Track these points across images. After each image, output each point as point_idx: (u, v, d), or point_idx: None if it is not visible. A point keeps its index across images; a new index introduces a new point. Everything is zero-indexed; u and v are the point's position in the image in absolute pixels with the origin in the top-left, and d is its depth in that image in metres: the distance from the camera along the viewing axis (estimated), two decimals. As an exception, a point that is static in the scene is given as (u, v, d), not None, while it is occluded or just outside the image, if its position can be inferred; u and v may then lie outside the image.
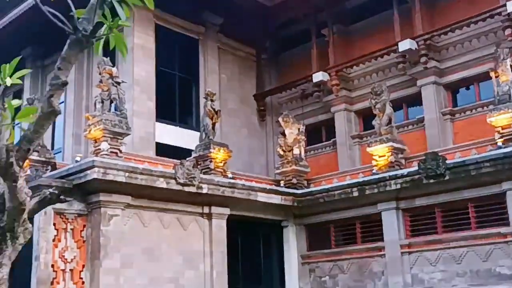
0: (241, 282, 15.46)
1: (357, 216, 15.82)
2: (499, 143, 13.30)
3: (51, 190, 3.89)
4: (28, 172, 14.17)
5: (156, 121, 17.84)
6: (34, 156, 14.72)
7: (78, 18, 3.50)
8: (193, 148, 15.79)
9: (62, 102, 19.93)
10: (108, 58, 14.04)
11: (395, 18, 17.85)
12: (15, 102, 4.17)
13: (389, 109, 15.71)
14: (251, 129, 20.81)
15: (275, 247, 16.79)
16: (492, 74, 14.17)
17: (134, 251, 13.17)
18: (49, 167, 14.85)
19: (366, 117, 19.26)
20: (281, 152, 17.35)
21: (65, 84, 3.53)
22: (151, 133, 17.58)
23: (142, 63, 17.78)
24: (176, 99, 19.20)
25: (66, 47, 3.53)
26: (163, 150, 17.01)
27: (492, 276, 13.17)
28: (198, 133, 15.91)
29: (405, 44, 17.11)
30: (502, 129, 13.42)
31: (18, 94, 22.36)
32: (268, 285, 16.43)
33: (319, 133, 20.30)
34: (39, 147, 14.96)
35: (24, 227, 3.66)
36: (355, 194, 15.40)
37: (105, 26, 3.47)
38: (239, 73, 20.79)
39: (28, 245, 12.19)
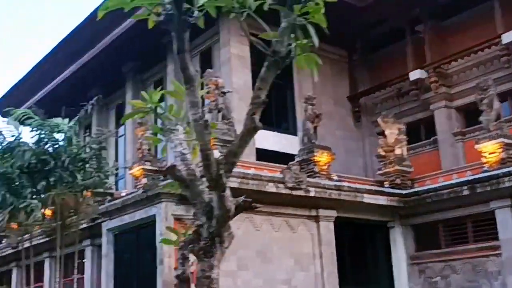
0: (350, 283, 15.47)
1: (467, 215, 15.42)
2: None
3: (243, 198, 4.17)
4: (145, 181, 14.95)
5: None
6: (147, 165, 15.49)
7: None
8: (291, 152, 16.04)
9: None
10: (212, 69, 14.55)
11: (496, 9, 17.32)
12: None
13: (497, 104, 15.24)
14: (347, 131, 20.80)
15: (381, 248, 16.67)
16: None
17: (248, 254, 13.53)
18: (161, 176, 15.55)
19: (469, 113, 18.79)
20: (382, 153, 17.23)
21: (265, 102, 3.80)
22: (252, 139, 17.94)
23: (239, 72, 18.25)
24: (272, 105, 19.51)
25: (264, 68, 3.79)
26: (263, 155, 17.35)
27: None
28: (295, 137, 16.14)
29: (509, 36, 16.56)
30: None
31: (120, 108, 23.61)
32: (376, 286, 16.35)
33: (418, 132, 19.96)
34: (151, 158, 15.73)
35: (228, 232, 3.94)
36: (465, 192, 15.03)
37: (293, 45, 3.70)
38: (332, 76, 20.85)
39: (150, 249, 12.86)
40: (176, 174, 4.08)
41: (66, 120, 11.88)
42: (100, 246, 16.14)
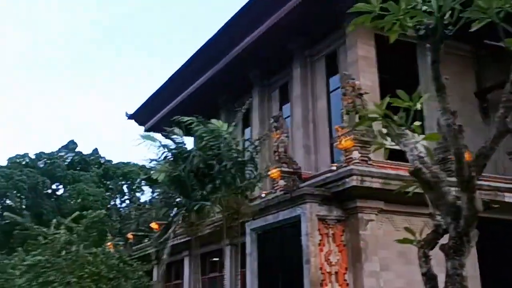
0: (493, 284, 15.13)
1: None
2: None
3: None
4: (282, 182, 15.47)
5: (383, 127, 18.22)
6: (284, 168, 16.00)
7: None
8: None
9: (289, 117, 21.35)
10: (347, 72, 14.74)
11: None
12: (417, 124, 4.81)
13: None
14: (474, 128, 20.23)
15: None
16: None
17: (390, 254, 13.63)
18: (296, 177, 16.01)
19: None
20: (521, 150, 16.68)
21: (517, 107, 3.99)
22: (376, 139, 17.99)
23: (366, 73, 18.33)
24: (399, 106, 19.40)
25: (517, 72, 3.97)
26: (391, 154, 17.30)
27: None
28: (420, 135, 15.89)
29: None
30: None
31: (246, 113, 24.44)
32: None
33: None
34: (288, 159, 16.23)
35: (473, 232, 4.15)
36: None
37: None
38: (458, 72, 20.39)
39: (295, 248, 13.29)
40: (421, 176, 4.35)
41: (225, 124, 12.58)
42: (237, 245, 16.86)
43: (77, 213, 18.51)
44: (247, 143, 13.81)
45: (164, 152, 13.41)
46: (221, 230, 12.34)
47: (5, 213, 17.32)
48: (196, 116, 12.00)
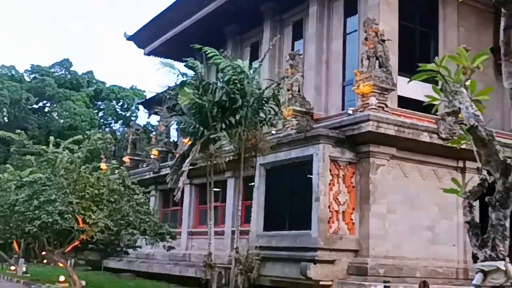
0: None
1: None
2: None
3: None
4: (295, 121, 15.72)
5: (398, 74, 18.35)
6: (296, 107, 16.22)
7: None
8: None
9: (301, 54, 21.32)
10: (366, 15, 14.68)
11: None
12: (473, 82, 5.05)
13: None
14: (487, 83, 20.28)
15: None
16: None
17: (397, 198, 14.14)
18: (309, 117, 16.26)
19: None
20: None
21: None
22: (394, 86, 18.17)
23: (386, 17, 18.21)
24: (416, 53, 19.45)
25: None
26: (404, 103, 17.56)
27: None
28: (436, 87, 16.04)
29: None
30: None
31: (255, 47, 24.36)
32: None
33: None
34: (301, 99, 16.42)
35: (519, 189, 4.47)
36: None
37: None
38: (476, 26, 20.35)
39: (305, 186, 13.72)
40: (477, 134, 4.62)
41: (247, 61, 12.69)
42: (242, 178, 17.30)
43: (77, 137, 18.31)
44: (268, 81, 13.94)
45: (182, 80, 13.50)
46: (232, 162, 12.71)
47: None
48: (214, 48, 12.02)
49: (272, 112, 12.73)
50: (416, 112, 15.46)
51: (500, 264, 4.36)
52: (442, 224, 14.72)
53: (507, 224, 4.64)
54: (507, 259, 4.52)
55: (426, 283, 12.11)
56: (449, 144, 5.32)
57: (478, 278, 4.47)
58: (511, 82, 4.45)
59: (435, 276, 13.45)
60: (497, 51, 20.07)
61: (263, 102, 12.43)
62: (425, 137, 13.92)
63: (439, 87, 5.35)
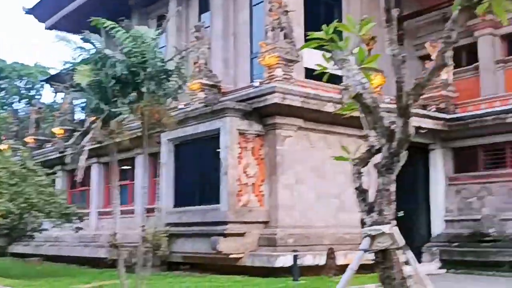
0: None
1: (508, 141, 16.15)
2: None
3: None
4: (202, 95, 15.52)
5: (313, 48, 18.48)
6: (204, 80, 16.00)
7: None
8: (339, 72, 16.39)
9: (208, 27, 21.00)
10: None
11: None
12: (360, 49, 5.08)
13: (550, 34, 15.54)
14: (388, 54, 21.06)
15: (421, 169, 17.54)
16: None
17: (304, 169, 14.35)
18: (216, 90, 16.09)
19: (512, 41, 19.12)
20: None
21: (455, 42, 4.31)
22: (299, 58, 18.31)
23: (291, -11, 18.24)
24: (320, 22, 19.63)
25: (456, 11, 4.25)
26: (311, 74, 17.76)
27: None
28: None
29: None
30: None
31: (161, 19, 23.69)
32: (415, 203, 17.35)
33: (459, 58, 20.23)
34: (208, 72, 16.20)
35: (402, 154, 4.57)
36: (509, 120, 15.67)
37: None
38: (378, -3, 20.83)
39: (213, 160, 13.61)
40: (363, 101, 4.65)
41: (151, 30, 12.22)
42: (150, 154, 16.95)
43: None
44: (173, 52, 13.59)
45: (81, 55, 12.87)
46: (138, 139, 12.40)
47: None
48: (117, 21, 11.54)
49: (176, 86, 12.42)
50: (322, 83, 15.63)
51: (386, 228, 4.45)
52: (348, 192, 14.99)
53: (393, 188, 4.73)
54: (393, 222, 4.63)
55: (332, 250, 12.45)
56: (340, 112, 5.32)
57: (365, 243, 4.55)
58: (393, 48, 4.48)
59: (342, 242, 13.82)
60: (398, 23, 20.51)
61: (167, 75, 12.08)
62: (329, 108, 14.12)
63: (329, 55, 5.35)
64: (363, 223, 4.59)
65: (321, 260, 12.78)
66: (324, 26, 5.06)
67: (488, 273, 14.83)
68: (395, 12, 4.43)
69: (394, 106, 4.53)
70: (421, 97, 17.72)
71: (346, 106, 5.16)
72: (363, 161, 4.98)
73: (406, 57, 4.47)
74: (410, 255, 4.50)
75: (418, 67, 19.87)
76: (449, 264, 16.00)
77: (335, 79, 17.02)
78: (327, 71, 5.39)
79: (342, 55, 5.11)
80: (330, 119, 14.54)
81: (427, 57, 18.16)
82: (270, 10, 14.60)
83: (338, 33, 5.24)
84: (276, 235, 13.17)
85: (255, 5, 19.93)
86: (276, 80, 13.90)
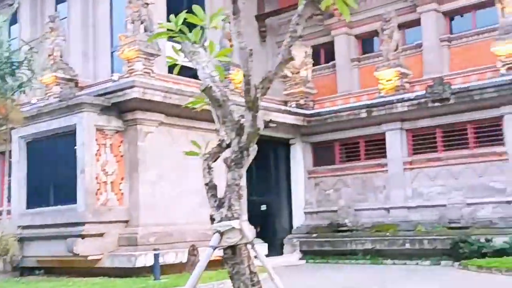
0: (255, 194, 16.71)
1: (362, 135, 17.11)
2: (502, 71, 14.56)
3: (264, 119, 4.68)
4: (57, 89, 14.66)
5: (167, 40, 18.17)
6: (59, 73, 15.14)
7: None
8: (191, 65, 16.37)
9: (65, 18, 19.89)
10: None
11: None
12: (211, 42, 5.02)
13: (397, 35, 16.66)
14: (254, 50, 21.38)
15: (283, 163, 18.04)
16: (497, 4, 15.16)
17: (166, 165, 14.05)
18: (73, 84, 15.30)
19: (365, 41, 20.27)
20: (289, 74, 18.22)
21: (301, 36, 4.34)
22: (163, 52, 17.96)
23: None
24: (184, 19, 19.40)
25: (301, 6, 4.29)
26: (173, 69, 17.50)
27: (486, 190, 14.83)
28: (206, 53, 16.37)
29: (411, -28, 17.86)
30: (506, 57, 14.63)
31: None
32: (277, 197, 17.81)
33: (318, 56, 21.08)
34: (64, 65, 15.34)
35: (253, 148, 4.53)
36: (363, 115, 16.60)
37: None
38: (241, -7, 21.04)
39: (69, 158, 12.93)
40: (212, 94, 4.54)
41: None
42: (4, 153, 15.77)
43: None
44: (21, 43, 12.67)
45: None
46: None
47: None
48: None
49: (25, 79, 11.61)
50: (184, 78, 15.46)
51: (235, 223, 4.38)
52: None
53: (242, 183, 4.68)
54: (243, 217, 4.58)
55: (194, 246, 12.33)
56: (190, 105, 5.18)
57: (215, 239, 4.44)
58: (240, 41, 4.41)
59: (204, 239, 13.69)
60: (260, 19, 20.93)
61: (14, 67, 11.24)
62: (199, 105, 13.94)
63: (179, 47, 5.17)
64: (212, 219, 4.48)
65: (184, 258, 12.60)
66: (172, 17, 4.87)
67: (344, 261, 15.62)
68: (241, 4, 4.34)
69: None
70: (284, 93, 18.34)
71: (196, 100, 5.01)
72: (214, 156, 4.87)
73: (252, 51, 4.41)
74: (259, 249, 4.47)
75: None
76: (309, 254, 16.62)
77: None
78: (178, 63, 5.20)
79: (192, 47, 4.94)
80: (192, 114, 14.38)
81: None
82: (130, 2, 14.12)
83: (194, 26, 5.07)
84: (137, 234, 12.78)
85: (116, -4, 19.25)
86: (136, 74, 13.47)
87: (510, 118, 14.50)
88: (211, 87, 4.57)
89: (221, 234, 4.38)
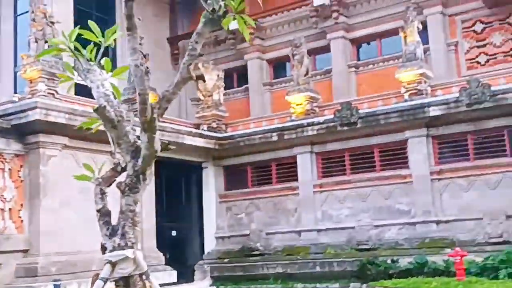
0: (165, 219, 16.30)
1: (273, 158, 17.21)
2: (406, 97, 15.17)
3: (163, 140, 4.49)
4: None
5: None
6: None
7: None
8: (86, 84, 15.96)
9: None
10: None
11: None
12: (107, 60, 4.80)
13: (307, 61, 17.00)
14: (164, 73, 21.06)
15: (195, 187, 17.77)
16: (401, 33, 15.87)
17: (71, 191, 13.38)
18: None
19: (277, 66, 20.58)
20: (201, 97, 18.09)
21: (200, 55, 4.20)
22: (64, 72, 17.33)
23: (60, 1, 17.26)
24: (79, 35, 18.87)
25: (201, 24, 4.17)
26: (83, 91, 16.92)
27: (392, 212, 15.29)
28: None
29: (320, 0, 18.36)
30: (408, 84, 15.27)
31: None
32: (189, 222, 17.47)
33: (231, 79, 21.12)
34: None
35: (150, 171, 4.31)
36: (274, 138, 16.71)
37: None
38: (153, 16, 20.81)
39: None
40: (105, 114, 4.29)
41: None
42: None
43: None
44: None
45: None
46: None
47: None
48: None
49: None
50: (91, 100, 14.90)
51: (129, 252, 4.11)
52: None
53: (138, 209, 4.43)
54: (138, 245, 4.32)
55: (98, 275, 11.73)
56: (82, 126, 4.88)
57: (106, 271, 4.14)
58: (135, 58, 4.20)
59: (111, 266, 13.18)
60: (173, 42, 20.70)
61: None
62: (97, 125, 13.44)
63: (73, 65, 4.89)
64: (104, 248, 4.18)
65: (88, 288, 11.98)
66: (63, 32, 4.59)
67: (256, 286, 15.47)
68: (137, 20, 4.15)
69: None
70: (196, 116, 18.14)
71: (91, 121, 4.72)
72: (108, 180, 4.59)
73: (149, 69, 4.21)
74: (154, 281, 4.21)
75: (194, 86, 20.24)
76: (220, 280, 16.35)
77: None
78: (71, 82, 4.90)
79: (87, 65, 4.68)
80: (98, 137, 13.82)
81: (200, 77, 18.52)
82: (34, 20, 13.52)
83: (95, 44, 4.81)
84: (37, 264, 12.03)
85: (20, 15, 18.49)
86: (38, 95, 12.84)
87: (414, 142, 15.07)
88: (104, 106, 4.32)
89: (113, 264, 4.10)
